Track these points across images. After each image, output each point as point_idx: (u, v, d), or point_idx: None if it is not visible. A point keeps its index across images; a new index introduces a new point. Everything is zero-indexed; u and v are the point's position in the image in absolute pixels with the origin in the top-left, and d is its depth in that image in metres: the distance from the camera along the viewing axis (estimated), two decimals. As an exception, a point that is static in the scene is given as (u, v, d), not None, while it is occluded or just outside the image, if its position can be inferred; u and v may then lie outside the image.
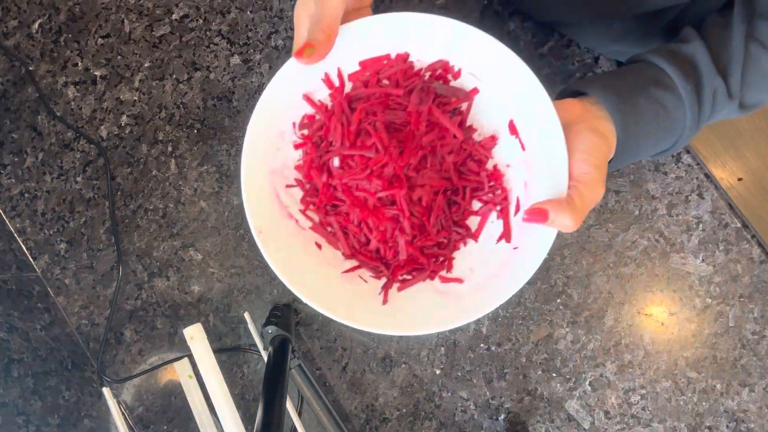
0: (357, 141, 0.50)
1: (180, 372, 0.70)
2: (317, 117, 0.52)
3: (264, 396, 0.56)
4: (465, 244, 0.53)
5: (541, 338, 0.70)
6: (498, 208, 0.52)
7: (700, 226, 0.69)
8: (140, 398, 0.72)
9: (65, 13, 0.76)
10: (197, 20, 0.75)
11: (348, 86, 0.52)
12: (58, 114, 0.75)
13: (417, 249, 0.51)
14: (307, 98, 0.52)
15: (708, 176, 0.69)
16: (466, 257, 0.52)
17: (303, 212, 0.53)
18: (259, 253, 0.72)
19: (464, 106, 0.52)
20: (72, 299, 0.73)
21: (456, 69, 0.52)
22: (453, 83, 0.52)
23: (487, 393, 0.70)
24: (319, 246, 0.52)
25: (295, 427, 0.66)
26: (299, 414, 0.69)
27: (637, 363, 0.69)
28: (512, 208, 0.51)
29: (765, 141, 1.46)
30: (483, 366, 0.70)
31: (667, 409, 0.68)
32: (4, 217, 0.75)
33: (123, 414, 0.71)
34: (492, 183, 0.52)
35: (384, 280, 0.52)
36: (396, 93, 0.51)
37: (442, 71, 0.52)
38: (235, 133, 0.74)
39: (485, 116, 0.53)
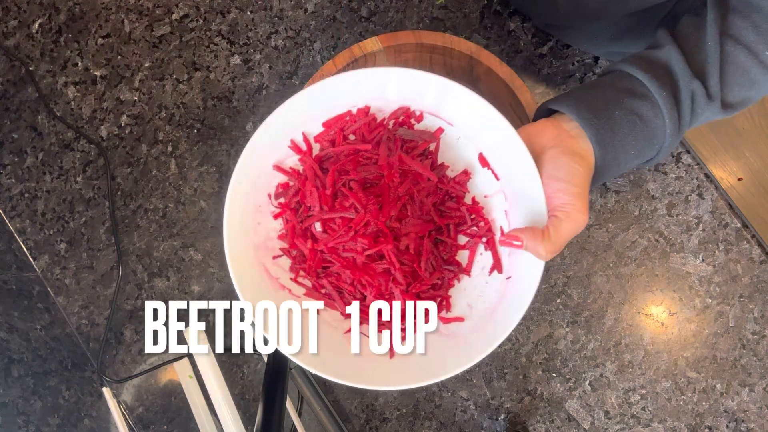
0: (335, 203, 0.50)
1: (180, 372, 0.70)
2: (291, 184, 0.53)
3: (264, 396, 0.56)
4: (459, 280, 0.53)
5: (541, 338, 0.70)
6: (484, 239, 0.53)
7: (700, 226, 0.69)
8: (140, 398, 0.72)
9: (65, 13, 0.76)
10: (197, 20, 0.75)
11: (316, 148, 0.53)
12: (58, 114, 0.75)
13: (413, 296, 0.51)
14: (278, 167, 0.52)
15: (708, 176, 0.69)
16: (462, 294, 0.53)
17: (294, 280, 0.53)
18: (259, 253, 0.72)
19: (432, 146, 0.53)
20: (72, 299, 0.73)
21: (417, 113, 0.52)
22: (417, 126, 0.53)
23: (487, 393, 0.70)
24: (318, 311, 0.52)
25: (295, 427, 0.66)
26: (299, 414, 0.69)
27: (637, 363, 0.69)
28: (498, 238, 0.51)
29: (765, 141, 1.46)
30: (483, 366, 0.70)
31: (667, 409, 0.68)
32: (4, 217, 0.75)
33: (123, 414, 0.71)
34: (473, 216, 0.52)
35: (387, 332, 0.52)
36: (364, 148, 0.51)
37: (405, 117, 0.52)
38: (235, 133, 0.74)
39: (455, 152, 0.53)
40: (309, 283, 0.53)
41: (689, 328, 0.69)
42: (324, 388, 0.71)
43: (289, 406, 0.65)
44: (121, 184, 0.74)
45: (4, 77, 0.76)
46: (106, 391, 0.67)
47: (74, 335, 0.73)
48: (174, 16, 0.76)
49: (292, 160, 0.53)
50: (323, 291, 0.52)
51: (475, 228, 0.53)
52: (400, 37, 0.57)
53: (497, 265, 0.51)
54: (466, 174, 0.53)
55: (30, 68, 0.76)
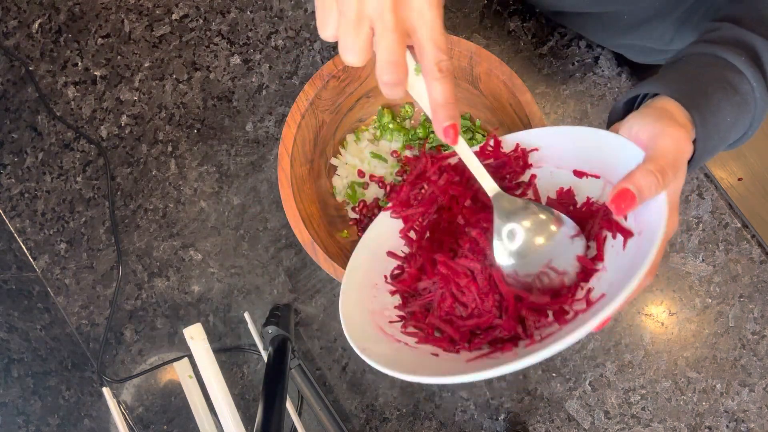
0: (452, 280, 0.50)
1: (180, 372, 0.70)
2: (405, 269, 0.53)
3: (264, 396, 0.56)
4: (596, 273, 0.46)
5: (541, 338, 0.70)
6: (607, 233, 0.47)
7: (700, 226, 0.69)
8: (140, 398, 0.72)
9: (65, 13, 0.76)
10: (197, 20, 0.75)
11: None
12: (58, 114, 0.75)
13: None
14: (392, 254, 0.53)
15: (708, 176, 0.69)
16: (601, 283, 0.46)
17: (406, 332, 0.49)
18: (259, 253, 0.72)
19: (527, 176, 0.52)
20: (72, 299, 0.73)
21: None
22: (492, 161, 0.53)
23: (487, 393, 0.70)
24: (436, 354, 0.46)
25: (295, 427, 0.66)
26: (299, 414, 0.69)
27: (637, 363, 0.69)
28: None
29: (765, 141, 1.46)
30: (483, 366, 0.70)
31: (667, 409, 0.68)
32: (4, 217, 0.75)
33: (123, 414, 0.71)
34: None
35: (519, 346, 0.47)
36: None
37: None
38: (235, 133, 0.74)
39: (553, 183, 0.52)
40: (422, 333, 0.50)
41: (689, 328, 0.69)
42: (324, 388, 0.71)
43: (289, 406, 0.65)
44: (121, 184, 0.74)
45: (4, 77, 0.76)
46: (106, 391, 0.67)
47: (74, 335, 0.73)
48: (174, 16, 0.76)
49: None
50: (437, 335, 0.50)
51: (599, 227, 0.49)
52: (400, 37, 0.57)
53: (626, 233, 0.44)
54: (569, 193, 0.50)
55: (30, 68, 0.76)
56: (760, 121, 0.47)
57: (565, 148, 0.49)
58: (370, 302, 0.50)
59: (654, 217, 0.40)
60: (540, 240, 0.46)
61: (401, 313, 0.51)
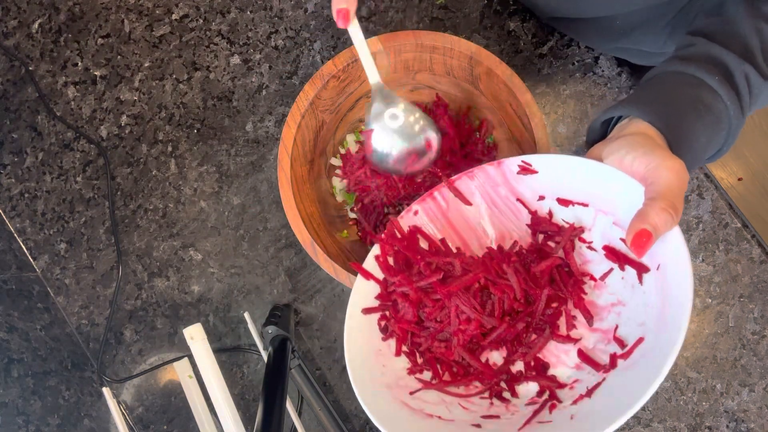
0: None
1: (180, 372, 0.70)
2: (387, 313, 0.52)
3: (264, 396, 0.56)
4: (618, 313, 0.47)
5: (541, 338, 0.70)
6: (613, 266, 0.47)
7: (700, 226, 0.69)
8: (140, 398, 0.72)
9: (65, 13, 0.76)
10: (197, 20, 0.75)
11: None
12: (58, 114, 0.75)
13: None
14: (368, 310, 0.52)
15: (708, 176, 0.69)
16: (628, 322, 0.46)
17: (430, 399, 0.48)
18: (259, 253, 0.72)
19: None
20: (72, 299, 0.73)
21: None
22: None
23: (487, 393, 0.70)
24: (478, 425, 0.46)
25: (295, 427, 0.66)
26: (299, 414, 0.69)
27: (637, 363, 0.69)
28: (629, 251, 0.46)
29: (765, 141, 1.46)
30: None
31: (667, 409, 0.68)
32: (4, 217, 0.75)
33: (123, 414, 0.71)
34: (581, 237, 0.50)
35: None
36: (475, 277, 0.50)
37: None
38: (235, 133, 0.74)
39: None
40: (447, 399, 0.49)
41: (689, 328, 0.69)
42: (324, 388, 0.71)
43: (289, 406, 0.65)
44: (121, 184, 0.74)
45: (4, 77, 0.76)
46: (106, 391, 0.67)
47: (74, 335, 0.73)
48: (174, 16, 0.76)
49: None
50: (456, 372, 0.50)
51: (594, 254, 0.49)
52: (400, 37, 0.57)
53: (640, 267, 0.45)
54: (575, 229, 0.50)
55: (30, 68, 0.76)
56: (735, 138, 0.47)
57: (558, 177, 0.50)
58: (382, 375, 0.49)
59: (671, 248, 0.42)
60: (411, 118, 0.55)
61: (417, 377, 0.50)
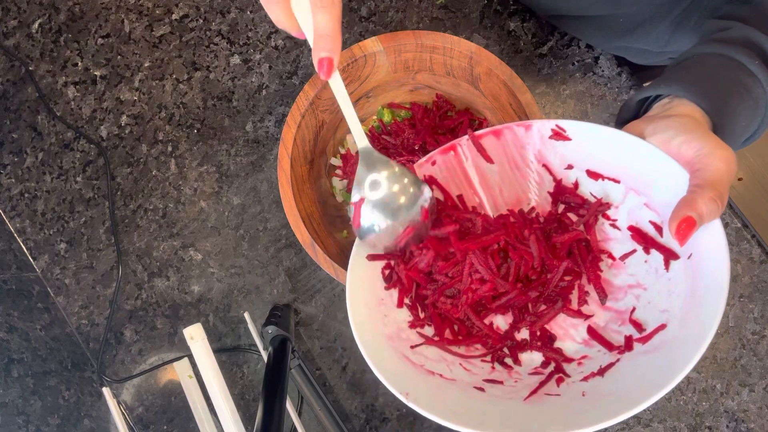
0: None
1: (180, 372, 0.70)
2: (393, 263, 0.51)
3: (264, 396, 0.56)
4: (637, 297, 0.46)
5: (541, 338, 0.70)
6: (638, 247, 0.46)
7: (700, 226, 0.69)
8: (140, 398, 0.72)
9: (65, 13, 0.77)
10: (197, 20, 0.75)
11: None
12: (58, 114, 0.75)
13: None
14: (373, 256, 0.50)
15: (708, 176, 0.69)
16: (649, 307, 0.45)
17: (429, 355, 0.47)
18: (259, 253, 0.72)
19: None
20: (72, 299, 0.73)
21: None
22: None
23: (487, 393, 0.70)
24: (481, 389, 0.45)
25: (295, 427, 0.66)
26: (299, 414, 0.69)
27: (637, 363, 0.69)
28: (664, 236, 0.45)
29: (765, 141, 1.46)
30: (483, 366, 0.70)
31: (667, 409, 0.68)
32: (4, 217, 0.75)
33: (123, 414, 0.71)
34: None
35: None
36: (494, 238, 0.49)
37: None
38: (235, 133, 0.74)
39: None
40: (448, 357, 0.48)
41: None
42: (324, 388, 0.71)
43: (289, 406, 0.65)
44: (121, 184, 0.74)
45: (4, 77, 0.76)
46: (106, 391, 0.67)
47: (74, 335, 0.73)
48: (174, 16, 0.76)
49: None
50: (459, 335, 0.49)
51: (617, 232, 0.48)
52: (400, 37, 0.57)
53: (669, 254, 0.43)
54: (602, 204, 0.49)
55: (30, 68, 0.76)
56: (766, 127, 0.47)
57: (592, 148, 0.47)
58: (384, 325, 0.47)
59: (708, 239, 0.40)
60: (396, 188, 0.47)
61: (418, 331, 0.49)
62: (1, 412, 0.63)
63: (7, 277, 0.70)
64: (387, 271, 0.50)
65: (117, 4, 0.76)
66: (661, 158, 0.42)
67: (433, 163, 0.53)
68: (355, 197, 0.47)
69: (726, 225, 0.68)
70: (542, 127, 0.49)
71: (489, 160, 0.53)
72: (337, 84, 0.43)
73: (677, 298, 0.43)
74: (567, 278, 0.48)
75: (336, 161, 0.67)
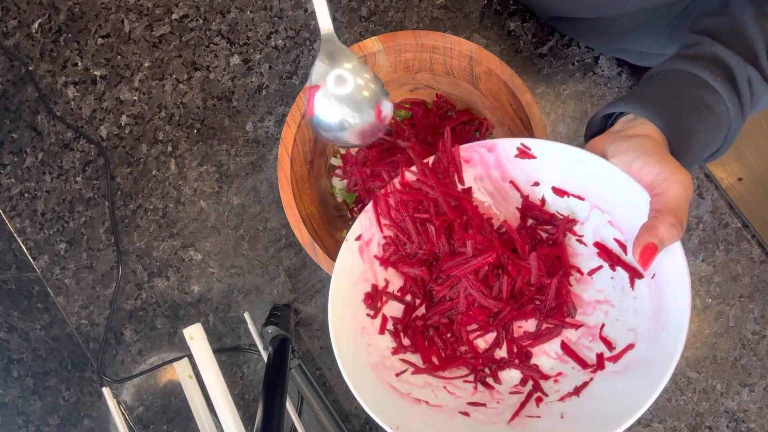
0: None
1: (180, 372, 0.70)
2: (373, 285, 0.52)
3: (264, 396, 0.56)
4: (606, 313, 0.47)
5: (541, 338, 0.70)
6: (604, 263, 0.48)
7: (700, 226, 0.69)
8: (140, 398, 0.72)
9: (65, 13, 0.76)
10: (197, 20, 0.75)
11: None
12: (58, 114, 0.75)
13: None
14: (368, 298, 0.51)
15: (708, 176, 0.69)
16: (616, 325, 0.46)
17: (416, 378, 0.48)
18: (259, 253, 0.72)
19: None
20: (72, 299, 0.73)
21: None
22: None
23: (487, 393, 0.70)
24: (466, 413, 0.46)
25: (295, 427, 0.66)
26: (299, 414, 0.69)
27: (637, 363, 0.69)
28: (628, 255, 0.46)
29: (765, 141, 1.46)
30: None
31: (667, 409, 0.68)
32: (4, 217, 0.75)
33: (123, 414, 0.71)
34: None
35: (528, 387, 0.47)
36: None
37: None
38: (235, 133, 0.74)
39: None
40: (432, 381, 0.48)
41: (689, 328, 0.69)
42: (324, 388, 0.71)
43: (289, 406, 0.65)
44: (121, 184, 0.74)
45: (4, 77, 0.76)
46: (106, 391, 0.67)
47: (74, 335, 0.73)
48: (174, 16, 0.76)
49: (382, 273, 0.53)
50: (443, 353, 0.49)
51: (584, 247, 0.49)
52: (400, 37, 0.57)
53: (634, 272, 0.45)
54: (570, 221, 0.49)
55: (30, 68, 0.76)
56: (733, 140, 0.47)
57: (557, 166, 0.48)
58: (368, 354, 0.48)
59: (669, 260, 0.42)
60: (359, 81, 0.46)
61: (401, 358, 0.49)
62: (1, 412, 0.63)
63: (7, 277, 0.70)
64: (367, 296, 0.51)
65: (117, 4, 0.76)
66: (623, 179, 0.43)
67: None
68: (311, 82, 0.47)
69: (726, 225, 0.68)
70: (506, 145, 0.50)
71: (461, 181, 0.54)
72: None
73: (643, 318, 0.44)
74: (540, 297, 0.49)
75: (336, 161, 0.67)
